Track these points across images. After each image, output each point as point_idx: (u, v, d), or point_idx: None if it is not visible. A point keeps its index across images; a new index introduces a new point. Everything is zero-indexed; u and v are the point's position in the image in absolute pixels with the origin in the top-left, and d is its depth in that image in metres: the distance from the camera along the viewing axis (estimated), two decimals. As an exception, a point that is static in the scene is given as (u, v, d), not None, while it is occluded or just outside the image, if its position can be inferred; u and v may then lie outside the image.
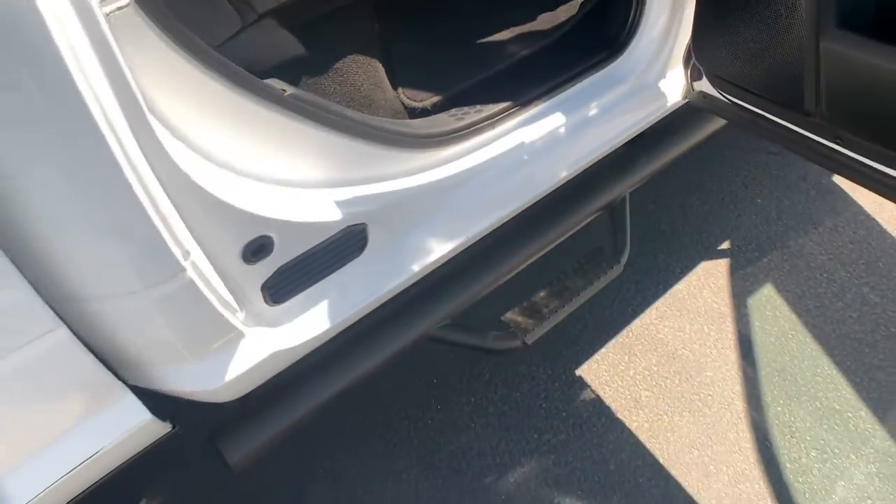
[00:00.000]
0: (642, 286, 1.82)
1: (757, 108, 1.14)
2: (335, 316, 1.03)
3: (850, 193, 1.99)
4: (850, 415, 1.53)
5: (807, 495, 1.41)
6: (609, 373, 1.67)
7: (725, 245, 1.91)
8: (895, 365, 1.59)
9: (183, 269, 0.78)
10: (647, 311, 1.79)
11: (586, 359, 1.70)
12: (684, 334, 1.72)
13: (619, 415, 1.59)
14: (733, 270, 1.85)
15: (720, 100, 1.25)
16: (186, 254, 0.79)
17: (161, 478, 1.46)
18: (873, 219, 1.91)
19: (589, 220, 1.41)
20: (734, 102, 1.20)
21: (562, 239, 1.36)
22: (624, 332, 1.75)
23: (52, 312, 0.73)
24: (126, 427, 0.88)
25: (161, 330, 0.82)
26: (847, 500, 1.39)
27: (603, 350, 1.72)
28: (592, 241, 1.51)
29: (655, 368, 1.67)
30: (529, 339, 1.25)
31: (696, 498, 1.44)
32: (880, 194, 1.06)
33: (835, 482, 1.42)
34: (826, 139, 1.04)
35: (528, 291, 1.38)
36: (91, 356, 0.80)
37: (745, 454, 1.49)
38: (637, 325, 1.76)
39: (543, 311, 1.27)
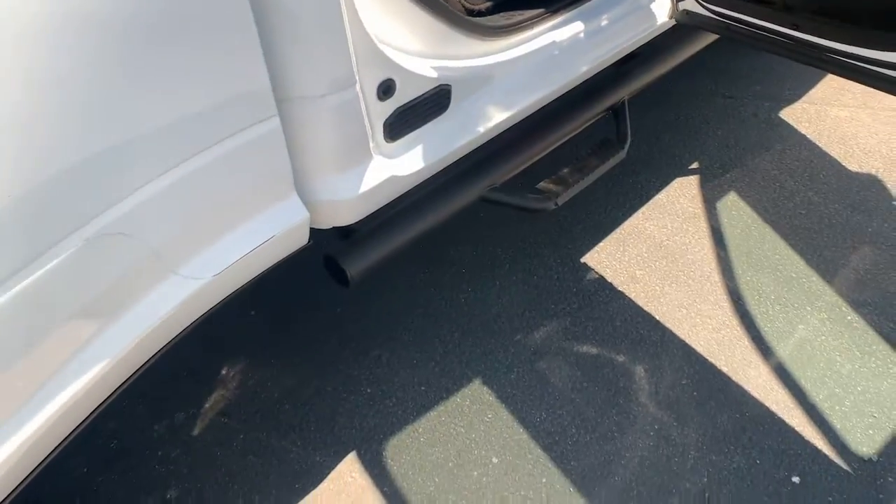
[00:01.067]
0: (629, 197, 2.20)
1: (733, 12, 1.53)
2: (427, 158, 1.36)
3: (795, 126, 2.43)
4: (804, 280, 1.93)
5: (774, 335, 1.81)
6: (608, 259, 2.04)
7: (695, 165, 2.32)
8: (837, 244, 2.01)
9: (355, 82, 1.10)
10: (635, 214, 2.17)
11: (588, 250, 2.07)
12: (667, 230, 2.11)
13: (619, 288, 1.96)
14: (702, 183, 2.26)
15: (702, 14, 1.65)
16: (356, 73, 1.11)
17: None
18: (814, 143, 2.35)
19: (599, 117, 1.78)
20: (714, 12, 1.59)
21: (581, 128, 1.72)
22: (617, 229, 2.13)
23: (274, 101, 1.04)
24: (291, 222, 1.18)
25: (328, 135, 1.14)
26: (805, 338, 1.79)
27: (601, 243, 2.09)
28: (602, 135, 1.89)
29: (646, 254, 2.04)
30: (560, 201, 1.61)
31: (687, 341, 1.81)
32: (830, 71, 1.46)
33: (795, 326, 1.82)
34: (786, 27, 1.43)
35: (556, 168, 1.74)
36: (286, 150, 1.10)
37: (724, 310, 1.88)
38: (627, 224, 2.14)
39: (569, 181, 1.63)
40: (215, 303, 1.14)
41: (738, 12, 1.51)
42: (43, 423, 0.92)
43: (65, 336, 0.92)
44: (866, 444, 1.56)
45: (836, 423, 1.60)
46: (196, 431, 1.69)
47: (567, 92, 1.62)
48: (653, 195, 2.22)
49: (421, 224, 1.45)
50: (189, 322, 1.11)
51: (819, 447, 1.56)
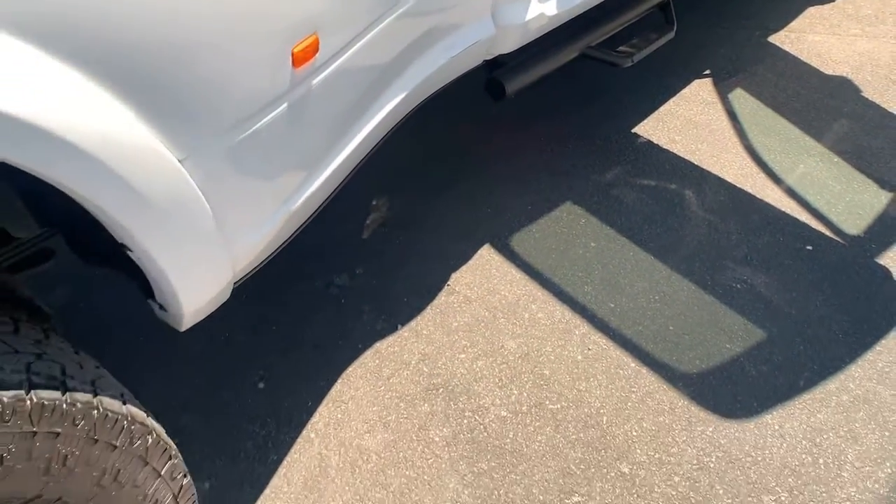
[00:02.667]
0: (660, 91, 2.86)
1: None
2: (562, 7, 1.99)
3: (780, 46, 3.14)
4: (800, 140, 2.62)
5: (783, 170, 2.48)
6: (652, 130, 2.69)
7: (707, 72, 3.01)
8: (821, 119, 2.70)
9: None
10: (667, 103, 2.83)
11: (636, 125, 2.72)
12: (693, 111, 2.78)
13: (663, 146, 2.61)
14: (715, 83, 2.94)
15: None
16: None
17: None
18: (797, 57, 3.06)
19: (653, 8, 2.44)
20: None
21: (643, 14, 2.37)
22: (654, 113, 2.78)
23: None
24: (486, 34, 1.79)
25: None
26: (805, 172, 2.47)
27: (644, 121, 2.74)
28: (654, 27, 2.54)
29: (680, 126, 2.71)
30: (635, 59, 2.25)
31: (720, 175, 2.46)
32: None
33: (797, 165, 2.50)
34: None
35: (629, 39, 2.39)
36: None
37: (744, 158, 2.54)
38: (662, 109, 2.80)
39: (640, 47, 2.27)
40: (448, 80, 1.73)
41: None
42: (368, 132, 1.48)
43: (397, 64, 1.49)
44: (855, 228, 2.23)
45: (834, 217, 2.27)
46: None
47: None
48: (678, 90, 2.90)
49: (546, 65, 2.06)
50: (435, 89, 1.69)
51: (823, 231, 2.23)
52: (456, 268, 2.15)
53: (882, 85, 2.84)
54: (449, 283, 2.11)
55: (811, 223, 2.25)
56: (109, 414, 0.89)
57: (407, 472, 1.65)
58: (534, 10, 1.87)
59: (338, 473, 1.65)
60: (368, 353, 1.92)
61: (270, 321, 2.00)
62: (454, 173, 2.47)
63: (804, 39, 3.15)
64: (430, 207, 2.33)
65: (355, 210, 2.34)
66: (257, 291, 2.01)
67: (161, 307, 1.17)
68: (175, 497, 1.01)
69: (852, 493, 1.57)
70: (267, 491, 1.62)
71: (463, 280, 2.11)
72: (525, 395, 1.80)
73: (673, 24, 2.40)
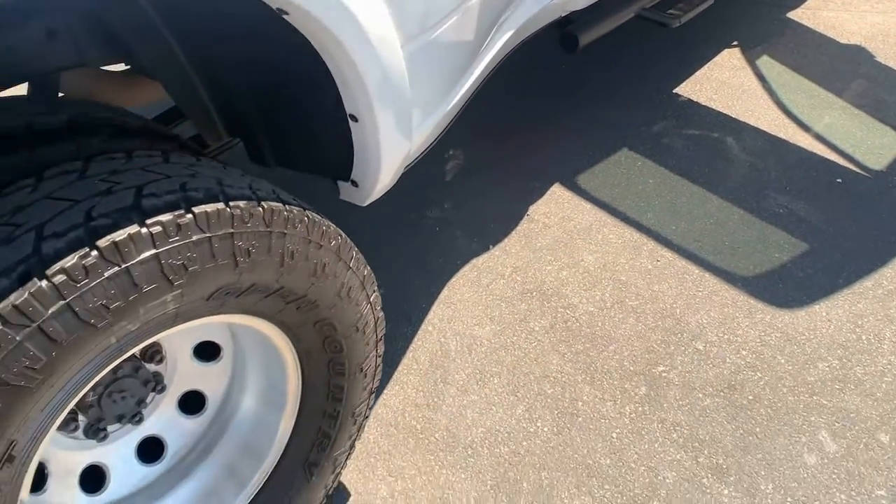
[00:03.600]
0: (695, 59, 3.22)
1: None
2: None
3: (799, 21, 3.51)
4: (824, 96, 2.97)
5: (810, 120, 2.82)
6: (690, 90, 3.04)
7: (735, 43, 3.37)
8: (841, 80, 3.06)
9: None
10: (702, 69, 3.19)
11: (676, 86, 3.07)
12: (726, 75, 3.13)
13: (703, 103, 2.96)
14: (743, 52, 3.30)
15: None
16: None
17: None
18: (814, 30, 3.42)
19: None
20: None
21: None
22: (691, 77, 3.14)
23: None
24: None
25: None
26: (830, 122, 2.82)
27: (683, 83, 3.09)
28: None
29: (715, 87, 3.06)
30: (682, 20, 2.61)
31: (756, 125, 2.81)
32: None
33: (823, 116, 2.85)
34: None
35: (676, 3, 2.74)
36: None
37: (775, 110, 2.89)
38: (699, 74, 3.16)
39: (685, 10, 2.63)
40: (535, 30, 2.07)
41: None
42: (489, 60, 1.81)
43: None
44: (878, 165, 2.58)
45: (859, 157, 2.62)
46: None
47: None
48: (711, 58, 3.25)
49: (610, 22, 2.41)
50: (526, 35, 2.03)
51: (850, 167, 2.57)
52: (532, 201, 2.49)
53: (893, 51, 3.20)
54: (528, 213, 2.44)
55: (839, 161, 2.60)
56: (316, 220, 1.19)
57: (515, 353, 1.98)
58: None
59: (457, 355, 1.97)
60: (467, 268, 2.25)
61: (381, 243, 2.31)
62: (521, 127, 2.81)
63: (819, 16, 3.52)
64: (502, 155, 2.66)
65: (436, 158, 2.67)
66: (363, 224, 2.33)
67: (354, 183, 1.50)
68: (362, 284, 1.32)
69: (892, 360, 1.90)
70: (401, 367, 1.94)
71: (540, 210, 2.45)
72: (607, 295, 2.13)
73: (710, -7, 2.76)
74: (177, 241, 0.97)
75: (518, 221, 2.41)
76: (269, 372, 1.36)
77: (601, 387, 1.87)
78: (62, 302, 0.88)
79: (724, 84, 3.04)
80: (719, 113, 2.88)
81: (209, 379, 1.38)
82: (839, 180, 2.52)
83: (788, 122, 2.81)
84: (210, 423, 1.41)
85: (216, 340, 1.37)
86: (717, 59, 3.23)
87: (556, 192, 2.52)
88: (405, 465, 1.71)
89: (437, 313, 2.09)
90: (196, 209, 1.02)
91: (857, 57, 3.19)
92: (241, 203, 1.05)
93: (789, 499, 1.62)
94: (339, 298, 1.29)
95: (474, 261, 2.27)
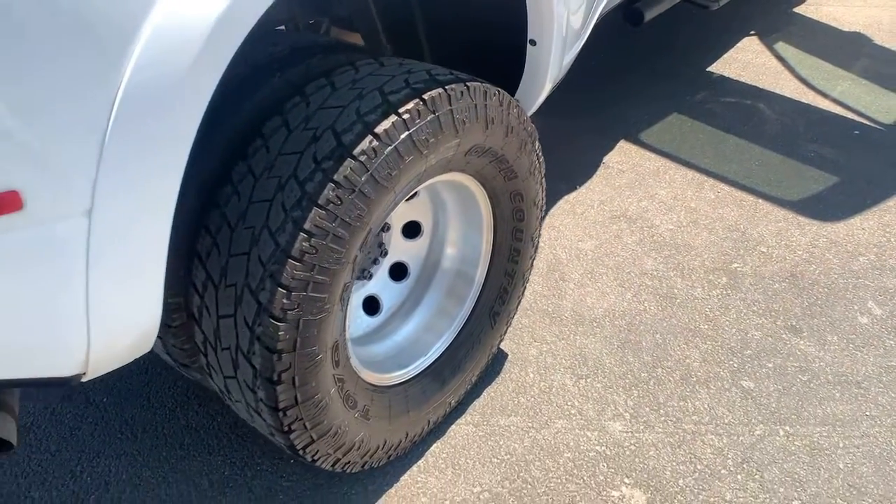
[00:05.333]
0: (719, 45, 3.80)
1: None
2: None
3: (805, 14, 4.12)
4: (834, 70, 3.56)
5: (826, 86, 3.40)
6: (720, 69, 3.60)
7: (752, 32, 3.96)
8: (848, 58, 3.65)
9: None
10: (727, 52, 3.77)
11: (707, 67, 3.64)
12: (749, 57, 3.71)
13: (733, 78, 3.52)
14: (760, 39, 3.89)
15: None
16: None
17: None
18: (818, 21, 4.03)
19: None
20: None
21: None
22: (720, 59, 3.71)
23: None
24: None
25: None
26: (844, 89, 3.39)
27: (714, 64, 3.66)
28: None
29: (742, 67, 3.62)
30: (721, 3, 3.17)
31: (781, 93, 3.38)
32: None
33: (836, 86, 3.43)
34: None
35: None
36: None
37: (796, 83, 3.47)
38: (726, 56, 3.73)
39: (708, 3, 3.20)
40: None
41: None
42: None
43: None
44: (887, 120, 3.15)
45: (871, 114, 3.19)
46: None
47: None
48: (734, 44, 3.84)
49: (662, 4, 2.96)
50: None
51: (864, 122, 3.14)
52: (605, 152, 3.01)
53: (887, 37, 3.81)
54: (604, 161, 2.96)
55: (855, 118, 3.17)
56: (506, 95, 1.64)
57: (615, 258, 2.47)
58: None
59: (569, 262, 2.46)
60: (561, 202, 2.75)
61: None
62: (586, 97, 3.35)
63: (821, 10, 4.14)
64: (570, 120, 3.19)
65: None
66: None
67: (515, 101, 1.99)
68: (540, 167, 1.81)
69: None
70: (525, 270, 2.42)
71: (613, 159, 2.97)
72: (682, 217, 2.64)
73: (733, -10, 3.34)
74: (419, 121, 1.40)
75: (597, 168, 2.92)
76: (470, 234, 1.84)
77: (690, 279, 2.37)
78: (367, 172, 1.32)
79: (749, 63, 3.61)
80: (749, 85, 3.44)
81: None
82: (856, 132, 3.08)
83: (808, 91, 3.38)
84: (416, 278, 1.88)
85: (419, 220, 1.83)
86: (740, 45, 3.81)
87: (623, 145, 3.04)
88: (545, 334, 2.19)
89: (545, 235, 2.57)
90: (425, 95, 1.45)
91: (857, 41, 3.79)
92: (453, 85, 1.49)
93: (851, 345, 2.12)
94: (528, 174, 1.78)
95: (566, 196, 2.77)
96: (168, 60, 1.00)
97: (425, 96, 1.40)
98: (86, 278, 1.06)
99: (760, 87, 3.43)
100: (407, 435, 1.76)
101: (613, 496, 1.75)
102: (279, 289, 1.28)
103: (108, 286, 1.09)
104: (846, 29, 3.93)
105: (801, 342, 2.12)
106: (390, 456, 1.75)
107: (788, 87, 3.41)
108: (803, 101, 3.31)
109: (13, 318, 1.07)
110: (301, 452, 1.49)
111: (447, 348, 1.85)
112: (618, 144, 3.05)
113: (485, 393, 2.00)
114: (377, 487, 1.78)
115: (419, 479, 1.80)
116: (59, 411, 1.98)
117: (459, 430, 1.91)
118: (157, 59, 0.99)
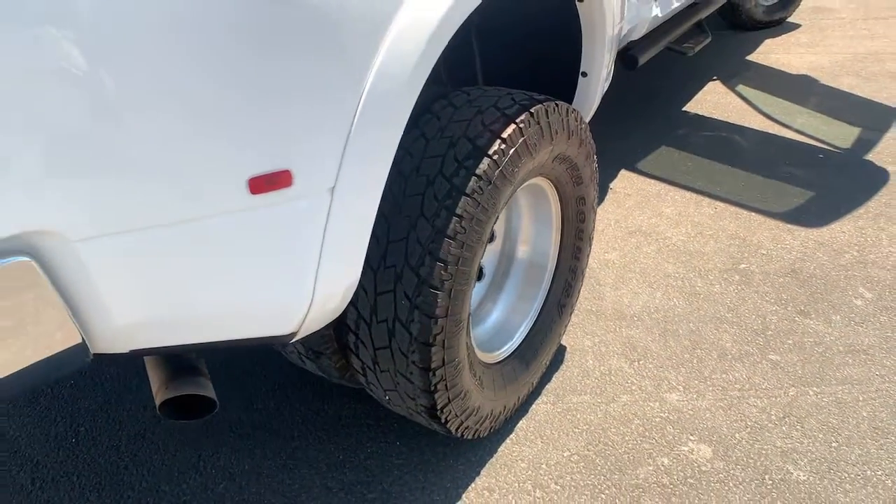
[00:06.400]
0: (688, 91, 4.35)
1: None
2: (665, 8, 3.42)
3: (758, 61, 4.73)
4: (793, 107, 4.13)
5: (788, 120, 3.96)
6: (695, 107, 4.14)
7: (714, 77, 4.53)
8: (803, 97, 4.25)
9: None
10: (697, 95, 4.31)
11: (683, 107, 4.17)
12: (717, 98, 4.26)
13: (707, 115, 4.06)
14: (723, 82, 4.46)
15: None
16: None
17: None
18: (776, 69, 4.66)
19: (693, 24, 3.93)
20: None
21: (691, 26, 3.85)
22: (692, 100, 4.25)
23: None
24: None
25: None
26: (803, 121, 3.95)
27: (688, 105, 4.19)
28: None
29: (713, 105, 4.16)
30: (695, 51, 3.70)
31: (745, 125, 3.92)
32: None
33: (797, 117, 3.99)
34: None
35: (685, 42, 3.84)
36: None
37: (761, 119, 4.02)
38: (696, 98, 4.27)
39: (693, 46, 3.73)
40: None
41: None
42: None
43: None
44: (845, 145, 3.70)
45: (830, 140, 3.73)
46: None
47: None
48: (701, 88, 4.39)
49: (654, 50, 3.47)
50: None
51: (826, 147, 3.67)
52: (610, 181, 3.43)
53: (829, 77, 4.43)
54: (610, 187, 3.38)
55: (818, 145, 3.70)
56: (578, 115, 2.03)
57: (640, 265, 2.86)
58: (654, 12, 3.28)
59: (599, 269, 2.83)
60: (581, 222, 3.13)
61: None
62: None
63: (769, 58, 4.77)
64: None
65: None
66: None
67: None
68: (596, 176, 2.19)
69: (890, 250, 2.90)
70: (565, 278, 2.78)
71: (618, 185, 3.40)
72: (689, 230, 3.07)
73: (708, 34, 3.90)
74: (529, 129, 1.77)
75: (605, 193, 3.34)
76: (542, 233, 2.18)
77: (707, 278, 2.77)
78: (498, 168, 1.67)
79: (718, 103, 4.15)
80: (721, 121, 3.96)
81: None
82: (821, 155, 3.60)
83: (772, 124, 3.92)
84: (490, 279, 2.21)
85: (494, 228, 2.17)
86: (706, 88, 4.37)
87: (625, 173, 3.48)
88: (595, 329, 2.54)
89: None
90: (531, 109, 1.84)
91: (806, 81, 4.40)
92: (541, 106, 1.87)
93: (852, 322, 2.54)
94: (590, 180, 2.16)
95: (585, 218, 3.15)
96: (398, 65, 1.34)
97: (532, 110, 1.77)
98: (321, 246, 1.36)
99: (731, 122, 3.95)
100: (504, 407, 2.06)
101: (683, 450, 2.07)
102: (437, 263, 1.59)
103: (334, 254, 1.38)
104: (794, 72, 4.54)
105: (811, 322, 2.53)
106: (492, 427, 2.03)
107: (755, 122, 3.94)
108: (770, 132, 3.83)
109: (261, 281, 1.35)
110: (438, 413, 1.77)
111: (527, 335, 2.17)
112: (620, 173, 3.48)
113: (554, 377, 2.32)
114: (479, 458, 2.06)
115: (514, 449, 2.09)
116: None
117: (539, 408, 2.21)
118: (391, 65, 1.32)
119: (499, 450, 2.07)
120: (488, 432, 2.04)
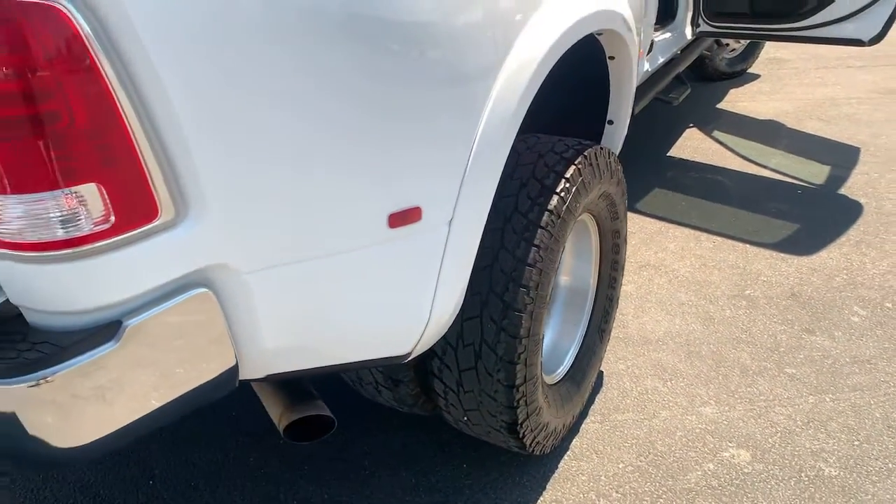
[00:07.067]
0: (669, 137, 4.74)
1: (726, 23, 4.21)
2: (662, 56, 3.79)
3: (727, 109, 5.17)
4: (766, 149, 4.54)
5: (763, 160, 4.35)
6: (678, 152, 4.51)
7: (691, 124, 4.94)
8: (773, 139, 4.67)
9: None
10: (678, 141, 4.70)
11: (667, 153, 4.53)
12: (696, 142, 4.64)
13: (689, 159, 4.42)
14: (700, 128, 4.86)
15: (709, 30, 4.32)
16: None
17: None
18: (745, 115, 5.09)
19: (672, 77, 4.32)
20: (715, 27, 4.27)
21: (670, 78, 4.24)
22: (674, 146, 4.63)
23: None
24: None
25: None
26: (777, 162, 4.35)
27: (671, 150, 4.56)
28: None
29: (694, 150, 4.54)
30: (679, 101, 4.08)
31: (726, 167, 4.29)
32: (779, 41, 4.15)
33: (771, 158, 4.39)
34: (752, 25, 4.11)
35: (669, 93, 4.22)
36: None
37: (740, 161, 4.40)
38: (677, 144, 4.66)
39: (677, 96, 4.11)
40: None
41: (728, 22, 4.18)
42: None
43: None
44: (818, 181, 4.08)
45: (805, 177, 4.11)
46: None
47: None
48: (680, 134, 4.77)
49: (646, 99, 3.82)
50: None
51: (802, 184, 4.05)
52: (613, 221, 3.72)
53: (794, 121, 4.87)
54: (615, 227, 3.67)
55: (794, 182, 4.08)
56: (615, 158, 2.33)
57: (655, 296, 3.12)
58: (646, 66, 3.65)
59: (619, 301, 3.10)
60: (593, 260, 3.40)
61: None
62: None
63: (738, 105, 5.21)
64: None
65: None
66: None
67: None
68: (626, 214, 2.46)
69: (874, 272, 3.24)
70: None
71: (622, 225, 3.68)
72: (694, 262, 3.36)
73: (688, 85, 4.29)
74: (585, 170, 2.05)
75: (610, 233, 3.61)
76: (582, 265, 2.43)
77: (718, 304, 3.05)
78: (565, 204, 1.93)
79: (698, 148, 4.53)
80: (704, 163, 4.33)
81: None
82: (799, 192, 3.97)
83: (750, 165, 4.29)
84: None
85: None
86: (685, 135, 4.75)
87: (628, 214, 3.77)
88: (625, 353, 2.78)
89: (591, 284, 3.19)
90: (585, 153, 2.13)
91: (774, 126, 4.82)
92: (591, 150, 2.15)
93: (853, 336, 2.83)
94: (623, 216, 2.43)
95: (596, 255, 3.42)
96: (503, 110, 1.58)
97: (585, 153, 2.04)
98: (438, 273, 1.58)
99: (713, 164, 4.31)
100: (563, 425, 2.26)
101: (725, 456, 2.30)
102: (520, 288, 1.82)
103: (447, 280, 1.60)
104: (762, 118, 4.97)
105: (817, 339, 2.81)
106: (553, 444, 2.24)
107: (734, 163, 4.31)
108: (749, 172, 4.20)
109: (389, 305, 1.56)
110: (518, 428, 1.97)
111: (576, 357, 2.40)
112: (621, 214, 3.76)
113: (597, 399, 2.54)
114: (542, 474, 2.25)
115: (573, 464, 2.29)
116: (238, 455, 2.34)
117: (588, 427, 2.43)
118: (498, 112, 1.57)
119: (559, 466, 2.27)
120: (550, 449, 2.23)
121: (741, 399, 2.50)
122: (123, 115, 1.08)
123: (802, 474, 2.20)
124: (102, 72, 1.05)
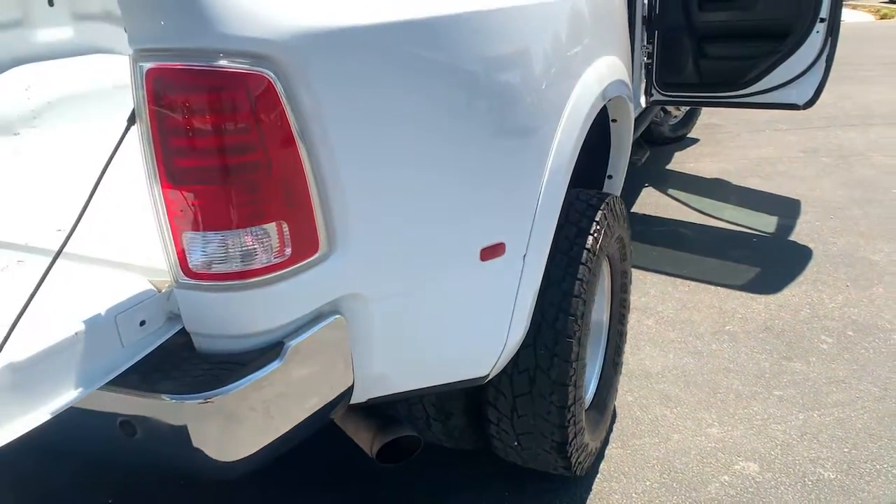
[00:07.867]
0: (629, 195, 5.19)
1: (678, 93, 4.72)
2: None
3: (676, 170, 5.69)
4: (717, 203, 5.03)
5: (717, 213, 4.82)
6: (639, 208, 4.95)
7: (647, 184, 5.41)
8: (722, 194, 5.17)
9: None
10: (638, 199, 5.15)
11: (630, 209, 4.97)
12: (652, 200, 5.11)
13: (651, 214, 4.86)
14: (654, 187, 5.34)
15: (661, 98, 4.83)
16: None
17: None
18: (693, 174, 5.61)
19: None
20: (667, 96, 4.78)
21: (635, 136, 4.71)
22: (637, 202, 5.07)
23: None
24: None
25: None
26: (730, 213, 4.83)
27: (634, 207, 5.01)
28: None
29: (653, 205, 4.99)
30: (642, 161, 4.53)
31: (683, 219, 4.75)
32: (730, 107, 4.68)
33: (723, 211, 4.86)
34: (706, 94, 4.64)
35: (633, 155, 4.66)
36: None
37: (696, 214, 4.87)
38: (637, 201, 5.11)
39: (639, 158, 4.56)
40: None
41: (681, 93, 4.70)
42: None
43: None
44: (769, 230, 4.56)
45: (757, 227, 4.59)
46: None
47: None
48: (639, 193, 5.24)
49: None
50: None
51: (755, 233, 4.52)
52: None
53: (738, 179, 5.41)
54: (597, 277, 4.01)
55: (749, 231, 4.54)
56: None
57: (648, 335, 3.45)
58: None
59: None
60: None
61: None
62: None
63: (686, 166, 5.73)
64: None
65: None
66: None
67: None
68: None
69: (834, 305, 3.67)
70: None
71: (603, 275, 4.03)
72: (675, 305, 3.72)
73: (647, 148, 4.76)
74: (609, 215, 2.39)
75: (594, 282, 3.95)
76: (597, 303, 2.73)
77: (703, 339, 3.39)
78: (598, 244, 2.26)
79: (657, 204, 4.98)
80: (666, 218, 4.76)
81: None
82: (755, 240, 4.43)
83: (706, 218, 4.75)
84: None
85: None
86: (643, 193, 5.21)
87: (605, 265, 4.13)
88: (630, 386, 3.06)
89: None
90: (607, 200, 2.46)
91: (721, 183, 5.34)
92: (610, 198, 2.49)
93: (825, 361, 3.21)
94: (629, 256, 2.76)
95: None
96: (564, 152, 1.89)
97: (607, 200, 2.37)
98: (514, 301, 1.84)
99: (674, 218, 4.75)
100: (595, 449, 2.51)
101: (737, 468, 2.59)
102: (570, 317, 2.10)
103: (520, 307, 1.87)
104: (708, 176, 5.49)
105: (796, 364, 3.17)
106: (587, 464, 2.48)
107: (692, 217, 4.77)
108: (707, 224, 4.65)
109: (475, 331, 1.81)
110: (567, 446, 2.21)
111: (598, 386, 2.67)
112: (600, 265, 4.11)
113: (614, 428, 2.80)
114: (579, 495, 2.48)
115: (604, 485, 2.53)
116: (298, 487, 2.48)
117: (611, 452, 2.68)
118: (560, 154, 1.88)
119: (592, 486, 2.50)
120: (584, 472, 2.47)
121: (741, 419, 2.81)
122: (304, 167, 1.33)
123: (806, 479, 2.50)
124: (294, 131, 1.29)
